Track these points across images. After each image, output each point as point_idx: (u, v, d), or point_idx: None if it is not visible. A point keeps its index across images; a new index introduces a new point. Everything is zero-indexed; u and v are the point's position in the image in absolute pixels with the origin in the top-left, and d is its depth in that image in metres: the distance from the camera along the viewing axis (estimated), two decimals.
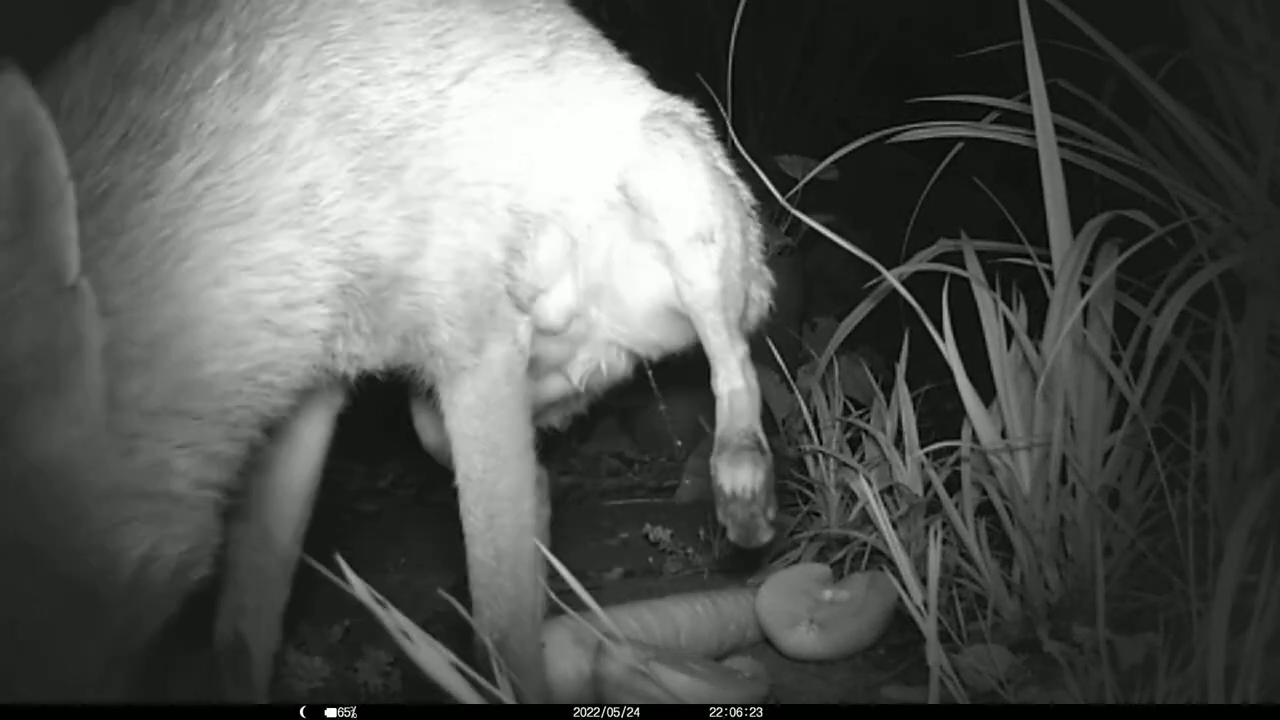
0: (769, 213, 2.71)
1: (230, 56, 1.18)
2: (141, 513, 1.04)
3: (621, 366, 1.74)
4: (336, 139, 1.22)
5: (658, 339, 1.69)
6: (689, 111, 1.66)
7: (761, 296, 1.76)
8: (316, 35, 1.25)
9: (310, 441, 1.51)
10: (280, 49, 1.21)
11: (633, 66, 1.67)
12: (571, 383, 1.70)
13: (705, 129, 1.66)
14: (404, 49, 1.32)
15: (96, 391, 1.02)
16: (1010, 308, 1.58)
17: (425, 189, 1.30)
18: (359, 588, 0.95)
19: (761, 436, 1.61)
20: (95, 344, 1.01)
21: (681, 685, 1.33)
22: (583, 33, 1.62)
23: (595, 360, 1.70)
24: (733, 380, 1.64)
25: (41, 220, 0.96)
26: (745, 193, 1.70)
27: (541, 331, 1.55)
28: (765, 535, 1.57)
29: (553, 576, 1.88)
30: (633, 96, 1.63)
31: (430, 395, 1.43)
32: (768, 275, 1.78)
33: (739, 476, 1.55)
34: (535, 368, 1.57)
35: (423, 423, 1.70)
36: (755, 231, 1.72)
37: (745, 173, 1.70)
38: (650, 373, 1.76)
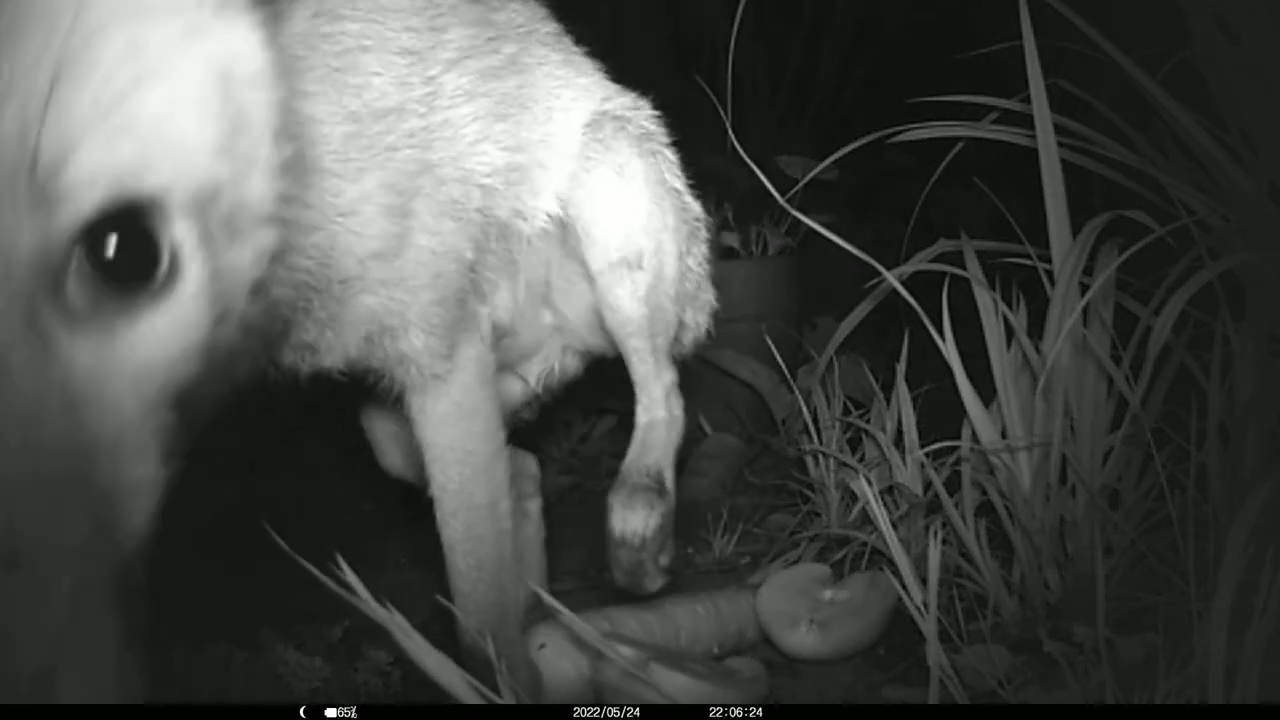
0: (769, 213, 2.73)
1: None
2: (154, 474, 0.87)
3: (573, 367, 1.68)
4: (333, 98, 1.11)
5: (606, 344, 1.62)
6: (641, 113, 1.56)
7: (698, 322, 1.66)
8: None
9: None
10: None
11: (591, 63, 1.57)
12: (530, 384, 1.65)
13: (658, 137, 1.56)
14: (404, 24, 1.23)
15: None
16: (1010, 308, 1.58)
17: (407, 183, 1.20)
18: (358, 588, 0.95)
19: (667, 475, 1.52)
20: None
21: (681, 685, 1.33)
22: (549, 28, 1.52)
23: (551, 363, 1.64)
24: (654, 410, 1.55)
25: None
26: (695, 207, 1.61)
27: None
28: (654, 583, 1.47)
29: (552, 578, 1.89)
30: (585, 98, 1.52)
31: (396, 404, 1.35)
32: (708, 296, 1.67)
33: (630, 520, 1.45)
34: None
35: (382, 447, 1.65)
36: (700, 249, 1.62)
37: (741, 173, 1.67)
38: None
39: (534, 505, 1.80)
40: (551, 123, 1.47)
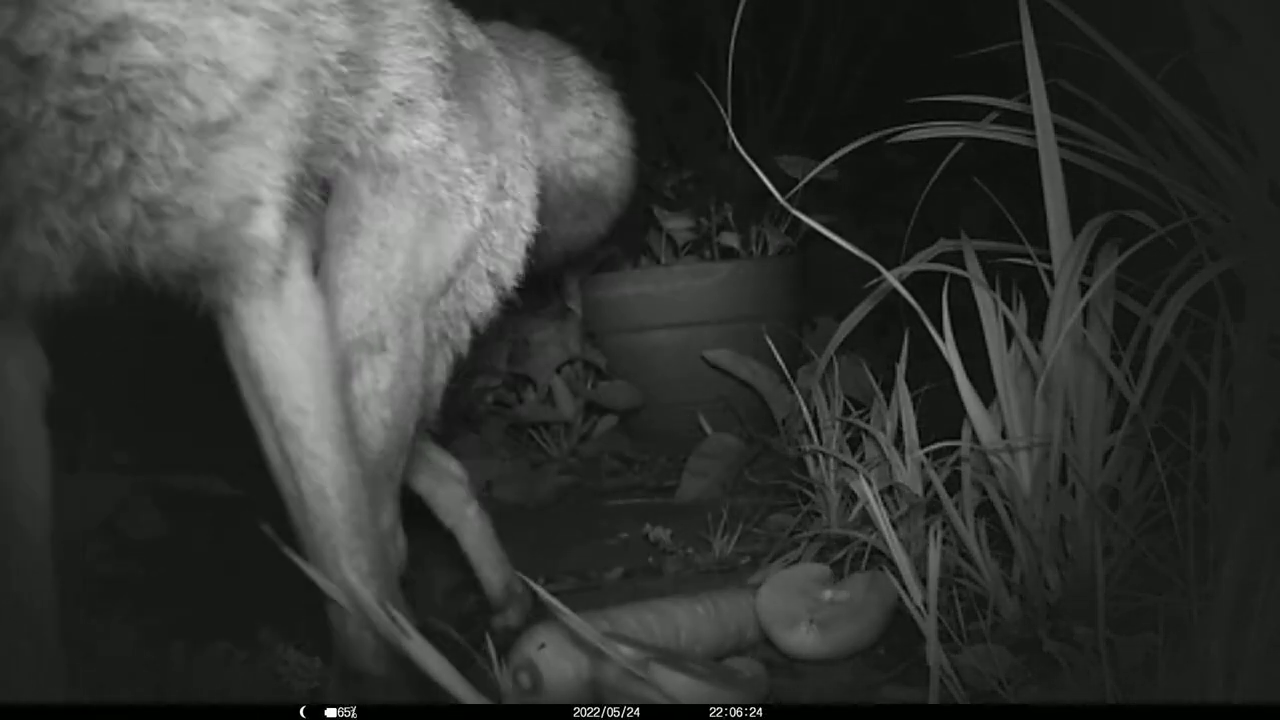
0: (769, 213, 2.73)
1: None
2: None
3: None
4: None
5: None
6: (440, 148, 1.44)
7: (449, 358, 1.56)
8: None
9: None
10: None
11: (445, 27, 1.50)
12: None
13: (451, 183, 1.45)
14: None
15: None
16: (1010, 308, 1.58)
17: (284, 12, 1.09)
18: (358, 588, 0.95)
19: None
20: None
21: (681, 685, 1.33)
22: None
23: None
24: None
25: None
26: (486, 224, 1.51)
27: None
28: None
29: (550, 578, 1.89)
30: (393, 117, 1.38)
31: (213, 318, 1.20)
32: (463, 334, 1.57)
33: None
34: None
35: None
36: (475, 273, 1.52)
37: (741, 173, 1.66)
38: None
39: (471, 509, 1.81)
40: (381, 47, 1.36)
